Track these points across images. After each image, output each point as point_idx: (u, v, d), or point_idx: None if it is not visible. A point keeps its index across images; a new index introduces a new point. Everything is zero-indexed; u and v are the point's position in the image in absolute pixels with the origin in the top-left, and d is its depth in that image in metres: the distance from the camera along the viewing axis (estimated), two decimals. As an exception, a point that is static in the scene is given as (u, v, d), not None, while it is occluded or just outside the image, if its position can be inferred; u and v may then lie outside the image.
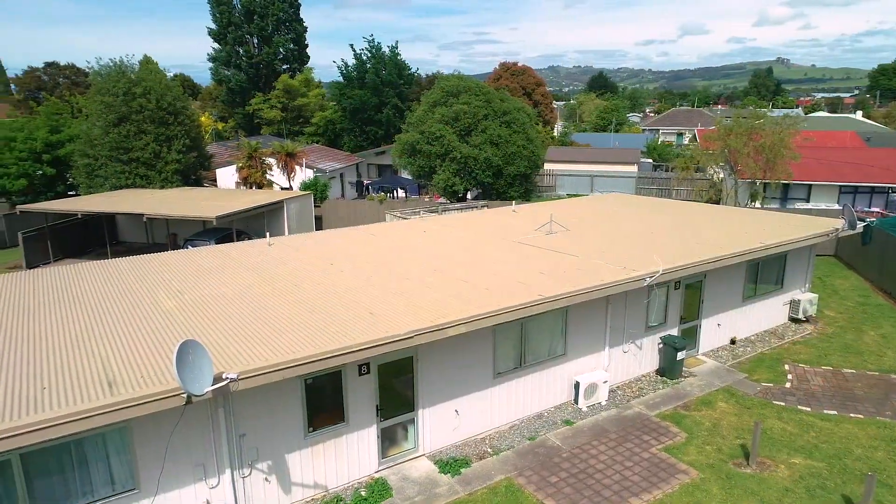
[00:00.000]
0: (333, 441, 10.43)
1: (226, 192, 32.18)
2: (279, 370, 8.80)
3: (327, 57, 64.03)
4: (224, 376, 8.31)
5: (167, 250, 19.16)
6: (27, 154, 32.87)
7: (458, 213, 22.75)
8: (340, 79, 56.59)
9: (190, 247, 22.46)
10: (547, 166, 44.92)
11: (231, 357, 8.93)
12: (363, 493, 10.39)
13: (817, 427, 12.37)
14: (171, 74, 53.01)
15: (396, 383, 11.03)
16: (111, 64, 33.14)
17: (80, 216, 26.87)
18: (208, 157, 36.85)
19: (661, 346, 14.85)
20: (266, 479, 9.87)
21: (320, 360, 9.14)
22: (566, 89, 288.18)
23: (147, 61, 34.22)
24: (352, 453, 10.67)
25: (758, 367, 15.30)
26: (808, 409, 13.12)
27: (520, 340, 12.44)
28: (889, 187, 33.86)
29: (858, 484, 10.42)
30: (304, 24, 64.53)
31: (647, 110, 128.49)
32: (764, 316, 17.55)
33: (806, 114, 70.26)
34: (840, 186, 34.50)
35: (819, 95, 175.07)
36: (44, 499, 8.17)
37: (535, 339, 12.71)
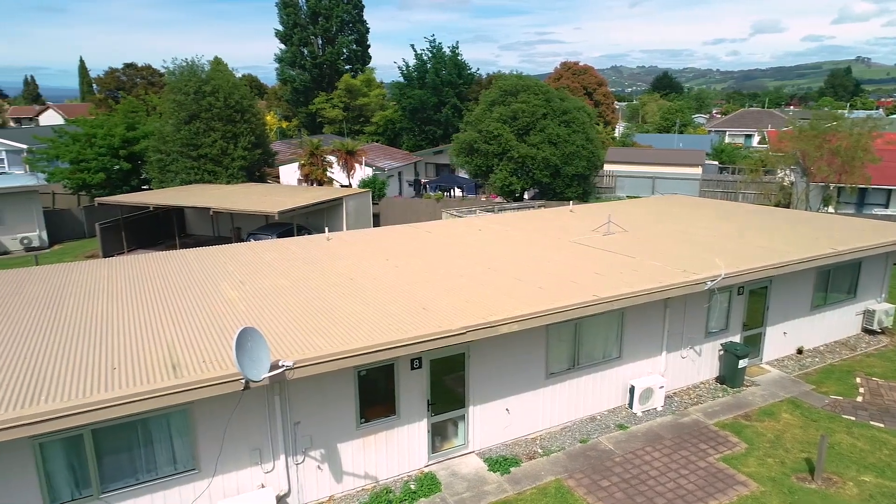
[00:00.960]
0: (384, 433, 10.56)
1: (288, 188, 33.07)
2: (333, 360, 8.98)
3: (389, 57, 64.86)
4: (280, 364, 8.55)
5: (231, 243, 19.87)
6: (106, 150, 34.67)
7: (514, 213, 22.64)
8: (401, 79, 57.25)
9: (253, 240, 23.20)
10: (606, 167, 44.10)
11: (288, 346, 9.17)
12: (412, 487, 10.49)
13: (891, 445, 11.68)
14: (240, 75, 54.96)
15: (448, 379, 11.08)
16: (184, 64, 34.61)
17: (151, 209, 28.18)
18: (272, 155, 37.96)
19: (721, 352, 14.35)
20: (318, 466, 10.10)
21: (373, 352, 9.28)
22: (629, 90, 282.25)
23: (217, 62, 35.57)
24: (402, 446, 10.78)
25: (826, 378, 14.58)
26: (882, 425, 12.40)
27: (573, 341, 12.27)
28: (979, 194, 31.58)
29: (935, 506, 9.80)
30: (367, 25, 65.59)
31: (714, 111, 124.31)
32: (835, 325, 16.69)
33: (888, 115, 66.38)
34: (924, 192, 32.43)
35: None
36: (112, 473, 8.62)
37: (590, 341, 12.50)
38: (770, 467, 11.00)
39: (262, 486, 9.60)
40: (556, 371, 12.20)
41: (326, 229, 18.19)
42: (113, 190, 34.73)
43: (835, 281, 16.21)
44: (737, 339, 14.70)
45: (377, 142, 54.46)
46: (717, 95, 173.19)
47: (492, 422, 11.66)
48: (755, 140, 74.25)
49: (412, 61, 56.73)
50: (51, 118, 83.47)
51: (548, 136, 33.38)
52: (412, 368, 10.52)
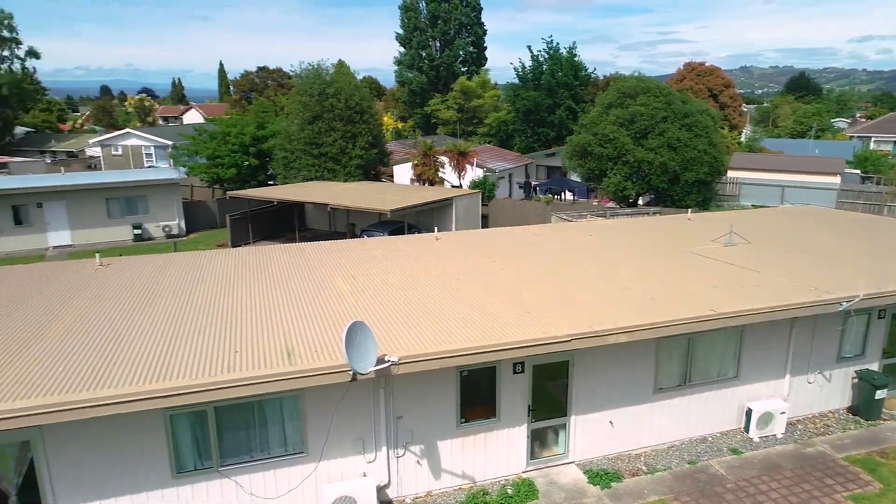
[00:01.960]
0: (484, 435, 10.59)
1: (401, 187, 34.01)
2: (437, 359, 9.12)
3: (505, 59, 64.88)
4: (386, 359, 8.80)
5: (346, 239, 20.72)
6: (238, 147, 37.40)
7: (627, 219, 21.89)
8: (516, 80, 57.11)
9: (366, 236, 24.07)
10: (731, 173, 41.54)
11: (394, 341, 9.43)
12: (509, 491, 10.43)
13: None
14: (361, 77, 57.25)
15: (550, 386, 10.91)
16: (310, 67, 36.58)
17: (276, 203, 30.03)
18: (387, 154, 39.23)
19: (856, 380, 13.07)
20: (418, 461, 10.30)
21: (476, 353, 9.32)
22: (759, 92, 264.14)
23: (340, 65, 37.27)
24: (501, 449, 10.76)
25: (984, 419, 12.87)
26: None
27: (686, 356, 11.67)
28: None
29: None
30: (484, 28, 66.04)
31: (858, 115, 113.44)
32: None
33: None
34: None
35: None
36: (230, 449, 9.28)
37: (704, 358, 11.83)
38: (909, 513, 9.88)
39: (364, 475, 9.94)
40: (665, 387, 11.66)
41: (436, 229, 18.51)
42: (242, 184, 37.38)
43: None
44: (874, 367, 13.33)
45: (489, 143, 54.71)
46: (863, 98, 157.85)
47: (594, 433, 11.35)
48: (906, 147, 66.89)
49: (528, 63, 56.46)
50: (193, 117, 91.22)
51: (667, 140, 31.98)
52: (514, 373, 10.46)
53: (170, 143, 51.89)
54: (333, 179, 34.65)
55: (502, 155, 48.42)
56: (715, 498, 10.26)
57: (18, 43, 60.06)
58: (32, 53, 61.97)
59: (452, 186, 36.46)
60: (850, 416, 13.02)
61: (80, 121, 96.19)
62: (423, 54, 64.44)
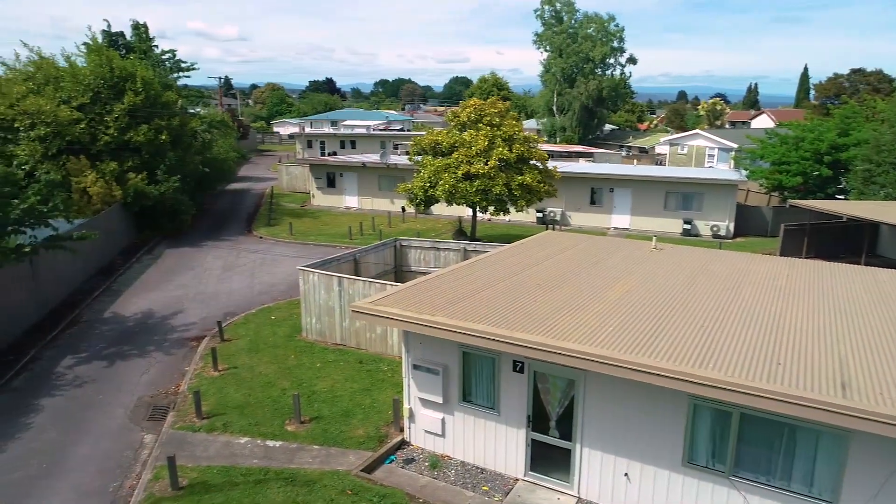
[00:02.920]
0: None
1: None
2: None
3: None
4: None
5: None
6: (810, 154, 34.07)
7: None
8: None
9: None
10: None
11: None
12: None
13: None
14: None
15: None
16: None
17: (844, 219, 26.23)
18: None
19: None
20: None
21: None
22: None
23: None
24: None
25: None
26: None
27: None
28: None
29: None
30: None
31: None
32: None
33: None
34: None
35: None
36: (746, 461, 8.65)
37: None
38: None
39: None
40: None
41: None
42: (806, 194, 34.05)
43: None
44: None
45: None
46: None
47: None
48: None
49: None
50: (762, 122, 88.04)
51: None
52: None
53: (734, 145, 51.46)
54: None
55: None
56: None
57: (623, 51, 69.34)
58: (631, 60, 70.60)
59: None
60: None
61: (655, 122, 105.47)
62: None
